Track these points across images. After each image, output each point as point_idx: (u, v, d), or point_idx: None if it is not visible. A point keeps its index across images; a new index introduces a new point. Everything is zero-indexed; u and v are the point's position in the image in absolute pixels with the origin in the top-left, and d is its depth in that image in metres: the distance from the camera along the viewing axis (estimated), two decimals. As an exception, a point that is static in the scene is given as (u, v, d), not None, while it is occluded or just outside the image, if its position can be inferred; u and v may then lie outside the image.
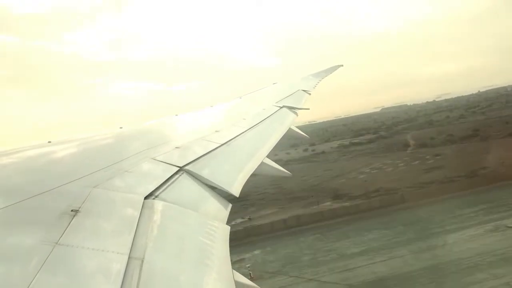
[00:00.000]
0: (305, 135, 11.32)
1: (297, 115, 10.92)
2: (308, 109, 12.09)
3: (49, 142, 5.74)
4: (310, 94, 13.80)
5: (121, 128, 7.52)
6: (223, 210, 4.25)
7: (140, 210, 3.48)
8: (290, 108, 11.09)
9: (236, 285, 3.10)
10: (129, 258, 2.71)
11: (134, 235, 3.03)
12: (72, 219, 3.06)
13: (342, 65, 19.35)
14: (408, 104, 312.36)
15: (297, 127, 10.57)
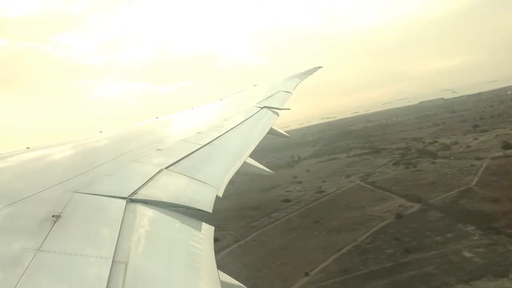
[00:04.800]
0: (286, 134, 11.46)
1: (278, 115, 11.02)
2: (289, 109, 12.19)
3: (28, 148, 5.69)
4: (291, 94, 13.99)
5: (101, 132, 7.47)
6: (207, 210, 4.22)
7: (122, 213, 3.47)
8: (271, 108, 11.19)
9: (222, 285, 3.11)
10: (113, 262, 2.69)
11: (118, 239, 3.02)
12: (54, 224, 3.04)
13: (322, 67, 19.87)
14: (445, 98, 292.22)
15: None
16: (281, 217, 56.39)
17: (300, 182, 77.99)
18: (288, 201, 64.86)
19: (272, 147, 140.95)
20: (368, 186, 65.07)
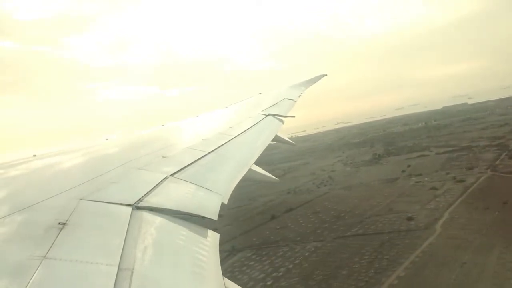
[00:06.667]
0: (291, 141, 11.47)
1: (283, 122, 10.98)
2: (294, 116, 12.16)
3: (34, 155, 5.80)
4: (295, 102, 13.99)
5: (107, 139, 7.59)
6: (212, 218, 4.14)
7: (128, 221, 3.46)
8: (276, 116, 11.13)
9: None
10: (118, 269, 2.68)
11: (123, 246, 3.01)
12: (60, 232, 3.04)
13: (326, 75, 20.34)
14: (469, 102, 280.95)
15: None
16: (451, 201, 53.52)
17: (419, 175, 73.91)
18: (436, 189, 61.58)
19: (319, 148, 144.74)
20: (510, 175, 61.22)
